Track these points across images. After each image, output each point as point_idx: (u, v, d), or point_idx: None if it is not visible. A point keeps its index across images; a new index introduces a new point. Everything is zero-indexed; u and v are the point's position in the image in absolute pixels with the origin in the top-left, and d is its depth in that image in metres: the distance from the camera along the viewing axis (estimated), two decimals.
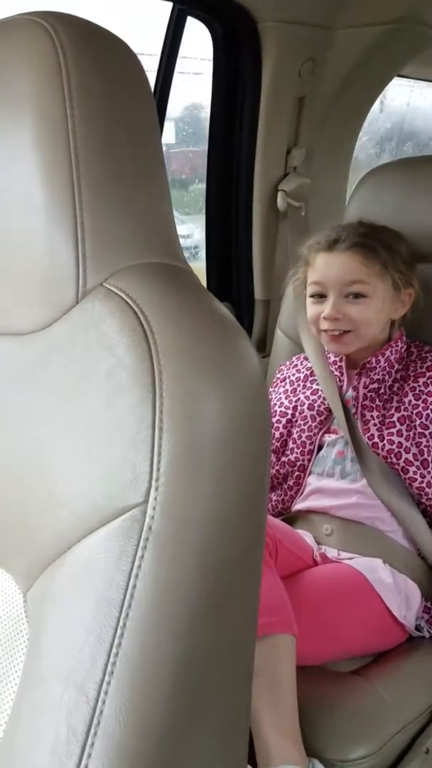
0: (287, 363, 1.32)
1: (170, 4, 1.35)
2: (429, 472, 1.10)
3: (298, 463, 1.19)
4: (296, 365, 1.29)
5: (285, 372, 1.30)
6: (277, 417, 1.23)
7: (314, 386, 1.21)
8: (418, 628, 1.09)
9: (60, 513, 0.42)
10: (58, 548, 0.42)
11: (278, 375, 1.32)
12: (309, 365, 1.24)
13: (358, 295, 1.11)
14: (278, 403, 1.25)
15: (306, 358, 1.26)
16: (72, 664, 0.39)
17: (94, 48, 0.46)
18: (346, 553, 1.12)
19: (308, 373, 1.24)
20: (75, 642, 0.40)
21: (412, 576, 1.09)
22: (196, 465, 0.40)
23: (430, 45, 1.62)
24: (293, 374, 1.27)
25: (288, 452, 1.20)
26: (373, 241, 1.12)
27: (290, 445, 1.20)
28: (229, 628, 0.44)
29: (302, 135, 1.57)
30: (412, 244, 1.18)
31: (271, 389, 1.31)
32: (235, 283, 1.68)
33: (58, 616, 0.41)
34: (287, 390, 1.26)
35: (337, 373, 1.19)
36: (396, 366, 1.16)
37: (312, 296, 1.16)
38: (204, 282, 1.69)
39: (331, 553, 1.13)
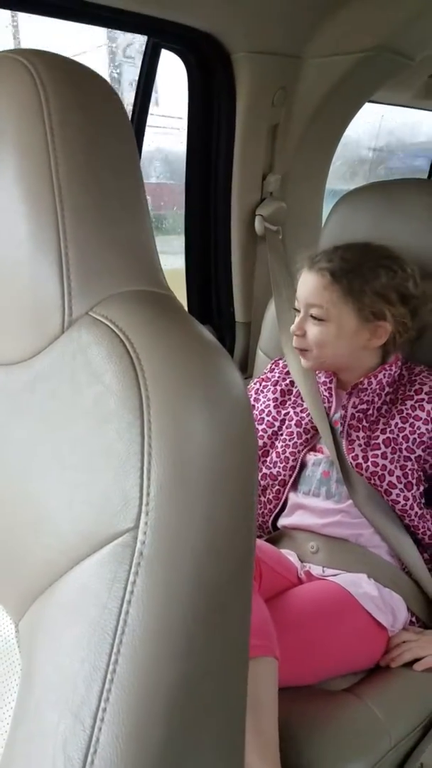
0: (280, 364, 1.30)
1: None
2: (413, 495, 1.11)
3: (280, 478, 1.20)
4: (289, 372, 1.27)
5: (276, 373, 1.29)
6: (264, 426, 1.23)
7: (305, 404, 1.21)
8: None
9: (50, 541, 0.43)
10: (49, 577, 0.42)
11: (267, 373, 1.31)
12: None
13: (317, 318, 1.13)
14: (266, 411, 1.25)
15: None
16: (67, 692, 0.39)
17: (73, 84, 0.47)
18: (330, 570, 1.12)
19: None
20: (69, 670, 0.40)
21: (398, 590, 1.10)
22: (185, 488, 0.41)
23: (401, 72, 1.66)
24: (285, 383, 1.26)
25: (270, 465, 1.21)
26: (345, 266, 1.11)
27: (273, 458, 1.21)
28: (223, 647, 0.44)
29: (277, 161, 1.60)
30: None
31: (256, 385, 1.30)
32: (216, 306, 1.70)
33: (51, 645, 0.41)
34: (276, 399, 1.25)
35: (326, 393, 1.20)
36: (387, 389, 1.16)
37: (296, 309, 1.19)
38: (185, 306, 1.70)
39: (316, 570, 1.13)
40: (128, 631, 0.39)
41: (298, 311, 1.17)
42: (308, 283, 1.14)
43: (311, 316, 1.13)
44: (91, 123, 0.47)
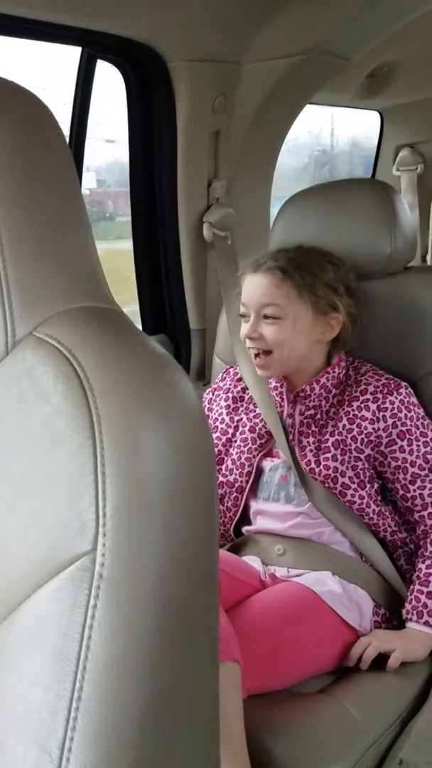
0: (231, 372, 1.30)
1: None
2: (367, 493, 1.12)
3: (237, 485, 1.20)
4: (241, 379, 1.27)
5: (228, 381, 1.29)
6: (218, 434, 1.23)
7: (257, 409, 1.21)
8: None
9: (4, 570, 0.41)
10: (7, 606, 0.41)
11: (219, 383, 1.31)
12: None
13: (272, 317, 1.13)
14: (219, 419, 1.25)
15: None
16: (32, 723, 0.38)
17: (5, 102, 0.46)
18: (295, 570, 1.13)
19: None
20: (33, 701, 0.39)
21: (362, 584, 1.11)
22: (142, 506, 0.40)
23: (339, 73, 1.69)
24: (236, 390, 1.26)
25: (227, 473, 1.21)
26: (293, 264, 1.14)
27: (228, 465, 1.21)
28: (192, 664, 0.43)
29: (221, 167, 1.61)
30: None
31: (209, 395, 1.30)
32: (169, 315, 1.69)
33: (13, 676, 0.40)
34: (229, 406, 1.25)
35: (277, 398, 1.20)
36: (333, 391, 1.17)
37: (241, 316, 1.18)
38: (138, 316, 1.69)
39: (281, 572, 1.13)
40: (91, 656, 0.38)
41: (246, 317, 1.16)
42: (258, 284, 1.14)
43: (265, 316, 1.13)
44: (25, 142, 0.46)
